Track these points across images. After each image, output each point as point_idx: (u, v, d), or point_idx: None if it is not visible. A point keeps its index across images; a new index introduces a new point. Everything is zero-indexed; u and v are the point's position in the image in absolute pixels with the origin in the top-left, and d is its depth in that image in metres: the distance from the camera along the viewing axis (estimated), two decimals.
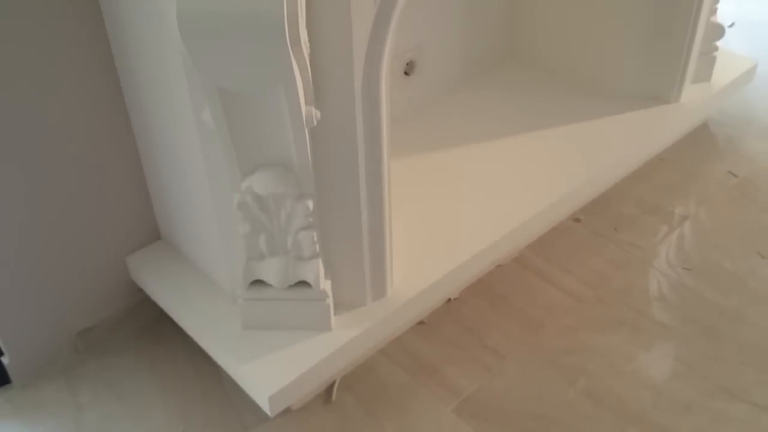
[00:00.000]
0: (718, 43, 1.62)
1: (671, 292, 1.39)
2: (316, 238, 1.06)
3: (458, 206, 1.41)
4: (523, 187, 1.45)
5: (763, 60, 2.01)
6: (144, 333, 1.33)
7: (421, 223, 1.36)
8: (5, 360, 1.23)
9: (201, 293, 1.23)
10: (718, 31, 1.58)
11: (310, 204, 1.02)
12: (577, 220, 1.56)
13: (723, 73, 1.69)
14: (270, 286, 1.10)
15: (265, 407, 1.08)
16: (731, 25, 2.21)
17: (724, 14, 2.24)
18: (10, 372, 1.24)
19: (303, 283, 1.10)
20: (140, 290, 1.32)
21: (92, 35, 1.10)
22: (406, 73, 1.57)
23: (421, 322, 1.35)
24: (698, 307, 1.36)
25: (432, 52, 1.61)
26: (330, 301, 1.12)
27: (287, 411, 1.18)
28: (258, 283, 1.11)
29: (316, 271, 1.08)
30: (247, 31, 0.81)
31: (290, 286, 1.10)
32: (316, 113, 0.94)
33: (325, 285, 1.11)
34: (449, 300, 1.39)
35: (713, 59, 1.62)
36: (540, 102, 1.66)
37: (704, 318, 1.34)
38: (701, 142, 1.75)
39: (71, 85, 1.12)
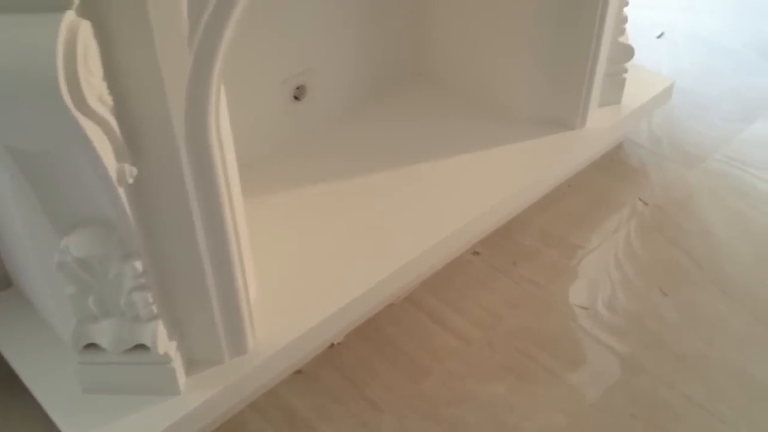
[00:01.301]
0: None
1: (564, 335, 1.31)
2: (151, 299, 0.97)
3: (343, 243, 1.32)
4: (416, 221, 1.37)
5: (690, 73, 1.94)
6: None
7: (298, 265, 1.27)
8: None
9: (46, 349, 1.13)
10: (627, 52, 1.50)
11: (138, 265, 0.93)
12: (476, 253, 1.48)
13: (637, 93, 1.61)
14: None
15: None
16: (660, 36, 2.13)
17: (655, 23, 2.17)
18: None
19: (143, 346, 1.01)
20: None
21: None
22: (296, 98, 1.48)
23: (298, 371, 1.26)
24: (592, 352, 1.28)
25: (326, 75, 1.52)
26: (175, 364, 1.03)
27: None
28: (94, 345, 1.01)
29: (153, 334, 0.99)
30: (21, 91, 0.71)
31: (129, 350, 1.01)
32: (132, 170, 0.85)
33: (169, 347, 1.02)
34: (332, 345, 1.30)
35: (622, 81, 1.54)
36: (442, 126, 1.57)
37: (596, 364, 1.26)
38: (614, 166, 1.67)
39: None
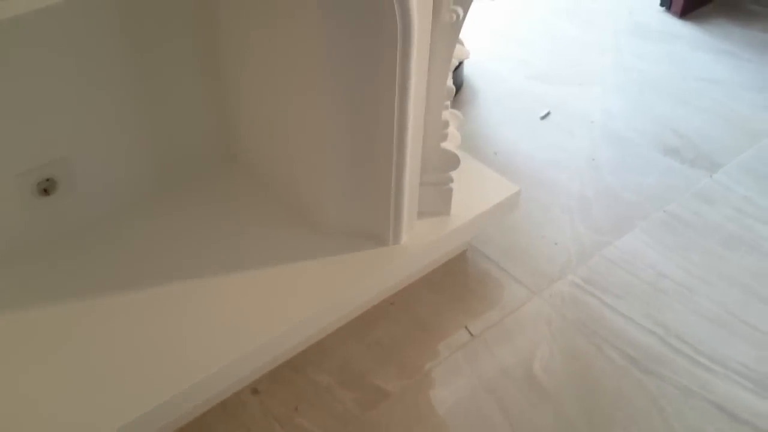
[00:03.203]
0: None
1: None
2: None
3: (67, 381, 1.07)
4: (175, 354, 1.12)
5: (565, 167, 1.71)
6: None
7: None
8: None
9: None
10: (452, 160, 1.27)
11: None
12: (256, 391, 1.23)
13: (475, 202, 1.38)
14: None
15: None
16: (545, 116, 1.90)
17: (542, 99, 1.94)
18: None
19: None
20: None
21: None
22: (45, 191, 1.22)
23: None
24: None
25: (88, 164, 1.26)
26: None
27: None
28: None
29: None
30: None
31: None
32: None
33: None
34: None
35: (449, 191, 1.30)
36: (236, 231, 1.32)
37: None
38: (449, 282, 1.43)
39: None
